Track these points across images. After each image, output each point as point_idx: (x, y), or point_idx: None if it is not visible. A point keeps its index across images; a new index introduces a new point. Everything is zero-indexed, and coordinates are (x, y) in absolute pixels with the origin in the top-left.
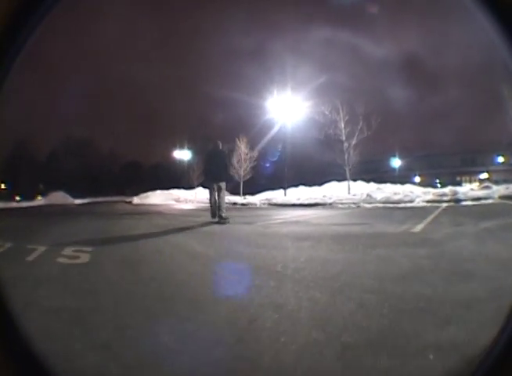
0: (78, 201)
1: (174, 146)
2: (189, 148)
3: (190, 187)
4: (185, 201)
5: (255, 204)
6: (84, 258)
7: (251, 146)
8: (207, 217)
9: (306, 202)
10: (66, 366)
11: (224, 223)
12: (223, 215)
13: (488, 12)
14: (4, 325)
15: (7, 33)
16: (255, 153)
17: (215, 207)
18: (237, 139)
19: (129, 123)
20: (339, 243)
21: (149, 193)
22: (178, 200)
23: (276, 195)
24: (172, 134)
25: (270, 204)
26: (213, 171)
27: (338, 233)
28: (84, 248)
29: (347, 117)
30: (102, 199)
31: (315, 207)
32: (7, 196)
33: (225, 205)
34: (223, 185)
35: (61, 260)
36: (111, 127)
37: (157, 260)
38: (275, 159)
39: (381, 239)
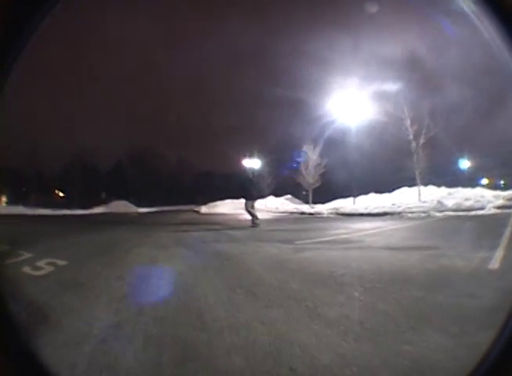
0: (143, 210)
1: (243, 155)
2: (258, 157)
3: (260, 196)
4: (255, 210)
5: (322, 214)
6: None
7: (319, 152)
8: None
9: (374, 211)
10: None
11: (255, 227)
12: (257, 221)
13: (488, 12)
14: (4, 325)
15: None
16: (324, 160)
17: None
18: (304, 146)
19: (198, 133)
20: (371, 294)
21: (218, 203)
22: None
23: (346, 203)
24: (241, 143)
25: (337, 214)
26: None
27: (380, 270)
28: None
29: (411, 114)
30: (170, 208)
31: (382, 218)
32: (66, 204)
33: (288, 215)
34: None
35: None
36: (179, 137)
37: None
38: (342, 165)
39: (444, 290)
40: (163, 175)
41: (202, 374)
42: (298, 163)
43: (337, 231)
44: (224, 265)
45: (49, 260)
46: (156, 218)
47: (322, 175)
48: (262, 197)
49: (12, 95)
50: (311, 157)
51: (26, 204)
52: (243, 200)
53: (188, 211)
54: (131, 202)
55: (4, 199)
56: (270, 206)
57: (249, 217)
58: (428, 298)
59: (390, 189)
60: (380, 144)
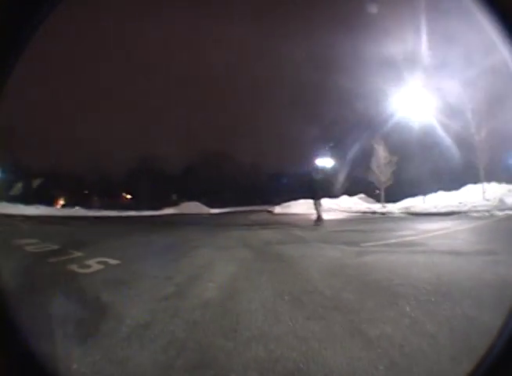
0: (215, 211)
1: (316, 154)
2: (331, 155)
3: (334, 195)
4: (328, 210)
5: (393, 213)
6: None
7: (390, 148)
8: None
9: (442, 210)
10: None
11: (318, 225)
12: (318, 223)
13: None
14: (4, 325)
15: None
16: (394, 158)
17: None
18: (374, 142)
19: (270, 133)
20: (423, 310)
21: (291, 203)
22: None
23: (416, 202)
24: (313, 142)
25: (408, 213)
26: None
27: (439, 280)
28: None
29: (470, 106)
30: (243, 208)
31: (450, 217)
32: (133, 205)
33: (360, 214)
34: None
35: None
36: (252, 138)
37: None
38: (410, 163)
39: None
40: (236, 176)
41: None
42: (368, 161)
43: (404, 232)
44: (280, 269)
45: (100, 259)
46: (228, 218)
47: (393, 173)
48: (334, 196)
49: (70, 102)
50: (381, 154)
51: (88, 206)
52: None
53: (261, 211)
54: (203, 203)
55: (61, 201)
56: (343, 206)
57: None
58: (479, 320)
59: (457, 187)
60: (444, 140)
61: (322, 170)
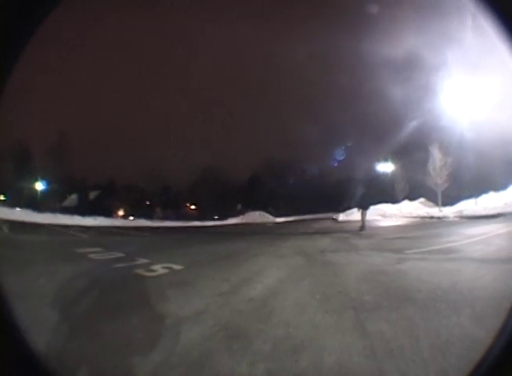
0: (280, 220)
1: (377, 160)
2: (392, 160)
3: (395, 201)
4: (390, 216)
5: (448, 218)
6: None
7: (445, 149)
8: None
9: (491, 213)
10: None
11: (361, 231)
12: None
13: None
14: (4, 325)
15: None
16: (448, 159)
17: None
18: (429, 144)
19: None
20: (431, 325)
21: (354, 210)
22: (384, 215)
23: (470, 205)
24: (376, 147)
25: (461, 217)
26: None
27: (461, 293)
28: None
29: None
30: (308, 217)
31: (496, 220)
32: (198, 216)
33: (419, 219)
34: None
35: None
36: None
37: None
38: (462, 164)
39: None
40: (302, 184)
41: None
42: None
43: (449, 238)
44: (324, 274)
45: (166, 265)
46: (291, 227)
47: (449, 176)
48: (395, 201)
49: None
50: (437, 156)
51: (150, 217)
52: (379, 206)
53: (326, 219)
54: (268, 212)
55: (120, 213)
56: (404, 211)
57: (381, 223)
58: (468, 332)
59: (505, 187)
60: (492, 137)
61: (383, 175)
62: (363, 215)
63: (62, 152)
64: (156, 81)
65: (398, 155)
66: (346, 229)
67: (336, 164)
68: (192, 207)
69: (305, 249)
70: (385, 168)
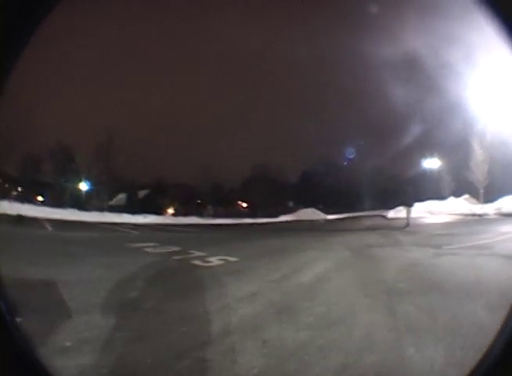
0: (331, 217)
1: (424, 156)
2: (438, 156)
3: (442, 197)
4: (437, 213)
5: (488, 215)
6: None
7: (486, 145)
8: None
9: None
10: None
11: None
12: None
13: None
14: (4, 325)
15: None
16: (487, 154)
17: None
18: (471, 139)
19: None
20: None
21: (402, 207)
22: (431, 213)
23: (509, 201)
24: (421, 143)
25: (500, 215)
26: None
27: (480, 285)
28: None
29: None
30: (359, 214)
31: None
32: (249, 214)
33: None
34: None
35: None
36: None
37: None
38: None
39: None
40: (353, 182)
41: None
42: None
43: (484, 235)
44: (366, 265)
45: (221, 257)
46: (342, 224)
47: (490, 172)
48: (441, 197)
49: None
50: (478, 151)
51: (201, 215)
52: (427, 203)
53: (376, 216)
54: (320, 209)
55: (171, 211)
56: (450, 208)
57: (427, 220)
58: (477, 318)
59: None
60: None
61: (428, 172)
62: (408, 213)
63: (110, 152)
64: (211, 79)
65: (443, 151)
66: (393, 226)
67: (384, 161)
68: (244, 204)
69: (353, 244)
70: (431, 164)
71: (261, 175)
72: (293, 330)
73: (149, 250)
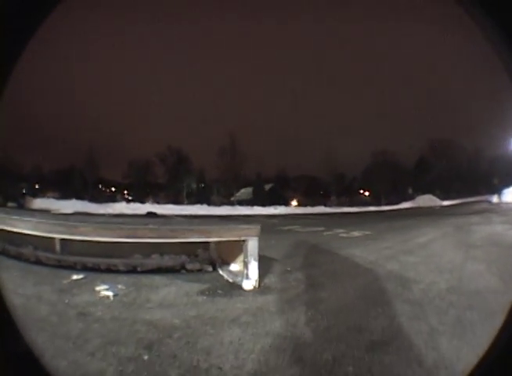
0: (446, 203)
1: None
2: None
3: None
4: None
5: None
6: None
7: None
8: None
9: None
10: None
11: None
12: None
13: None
14: (4, 325)
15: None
16: None
17: None
18: None
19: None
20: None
21: (505, 191)
22: None
23: None
24: None
25: None
26: None
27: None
28: None
29: None
30: (470, 199)
31: None
32: (372, 202)
33: None
34: None
35: None
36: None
37: None
38: None
39: None
40: (463, 165)
41: (402, 258)
42: None
43: None
44: (461, 236)
45: (359, 232)
46: (454, 209)
47: None
48: None
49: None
50: None
51: (327, 204)
52: None
53: (483, 201)
54: (436, 195)
55: (294, 203)
56: None
57: None
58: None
59: None
60: None
61: None
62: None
63: (232, 151)
64: (333, 78)
65: None
66: (494, 210)
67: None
68: (366, 193)
69: (457, 224)
70: None
71: (381, 162)
72: (413, 260)
73: (297, 229)
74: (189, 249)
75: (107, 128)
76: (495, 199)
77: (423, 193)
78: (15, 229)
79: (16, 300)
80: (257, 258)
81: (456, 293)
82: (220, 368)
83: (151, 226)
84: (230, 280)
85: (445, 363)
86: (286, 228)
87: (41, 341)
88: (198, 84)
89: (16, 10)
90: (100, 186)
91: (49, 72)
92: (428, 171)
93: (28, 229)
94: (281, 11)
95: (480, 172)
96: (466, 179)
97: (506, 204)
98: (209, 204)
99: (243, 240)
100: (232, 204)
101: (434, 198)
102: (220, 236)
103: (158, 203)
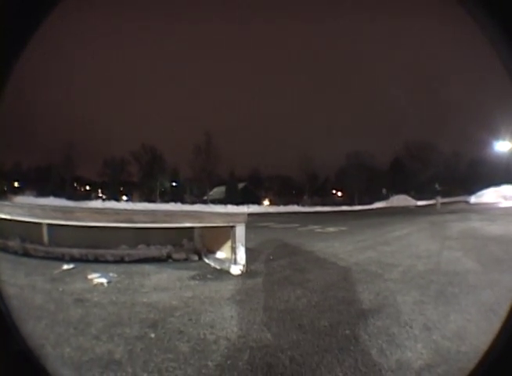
0: (420, 203)
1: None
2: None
3: None
4: (510, 199)
5: None
6: None
7: None
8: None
9: None
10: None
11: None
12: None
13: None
14: (4, 325)
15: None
16: None
17: None
18: None
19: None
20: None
21: (484, 191)
22: (505, 198)
23: None
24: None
25: None
26: None
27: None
28: None
29: None
30: (446, 199)
31: None
32: (345, 202)
33: None
34: None
35: None
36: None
37: None
38: None
39: None
40: (440, 167)
41: (380, 248)
42: None
43: None
44: (437, 230)
45: (335, 228)
46: (429, 209)
47: None
48: None
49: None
50: None
51: (298, 204)
52: (502, 188)
53: (461, 202)
54: (411, 196)
55: (266, 202)
56: None
57: (500, 205)
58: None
59: None
60: None
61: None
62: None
63: (207, 150)
64: (306, 76)
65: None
66: (471, 209)
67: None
68: (339, 193)
69: (433, 220)
70: (503, 147)
71: (355, 163)
72: (389, 249)
73: (271, 225)
74: (175, 239)
75: (84, 126)
76: (473, 199)
77: (398, 193)
78: (8, 217)
79: (11, 290)
80: (244, 243)
81: (435, 274)
82: (228, 339)
83: (146, 211)
84: (217, 267)
85: (436, 324)
86: (261, 224)
87: (40, 329)
88: (173, 83)
89: (16, 10)
90: (75, 185)
91: (25, 71)
92: (403, 172)
93: (22, 215)
94: (244, 10)
95: (458, 173)
96: (443, 180)
97: (485, 204)
98: (182, 202)
99: (232, 226)
100: (205, 202)
101: (409, 198)
102: (211, 222)
103: (132, 201)
